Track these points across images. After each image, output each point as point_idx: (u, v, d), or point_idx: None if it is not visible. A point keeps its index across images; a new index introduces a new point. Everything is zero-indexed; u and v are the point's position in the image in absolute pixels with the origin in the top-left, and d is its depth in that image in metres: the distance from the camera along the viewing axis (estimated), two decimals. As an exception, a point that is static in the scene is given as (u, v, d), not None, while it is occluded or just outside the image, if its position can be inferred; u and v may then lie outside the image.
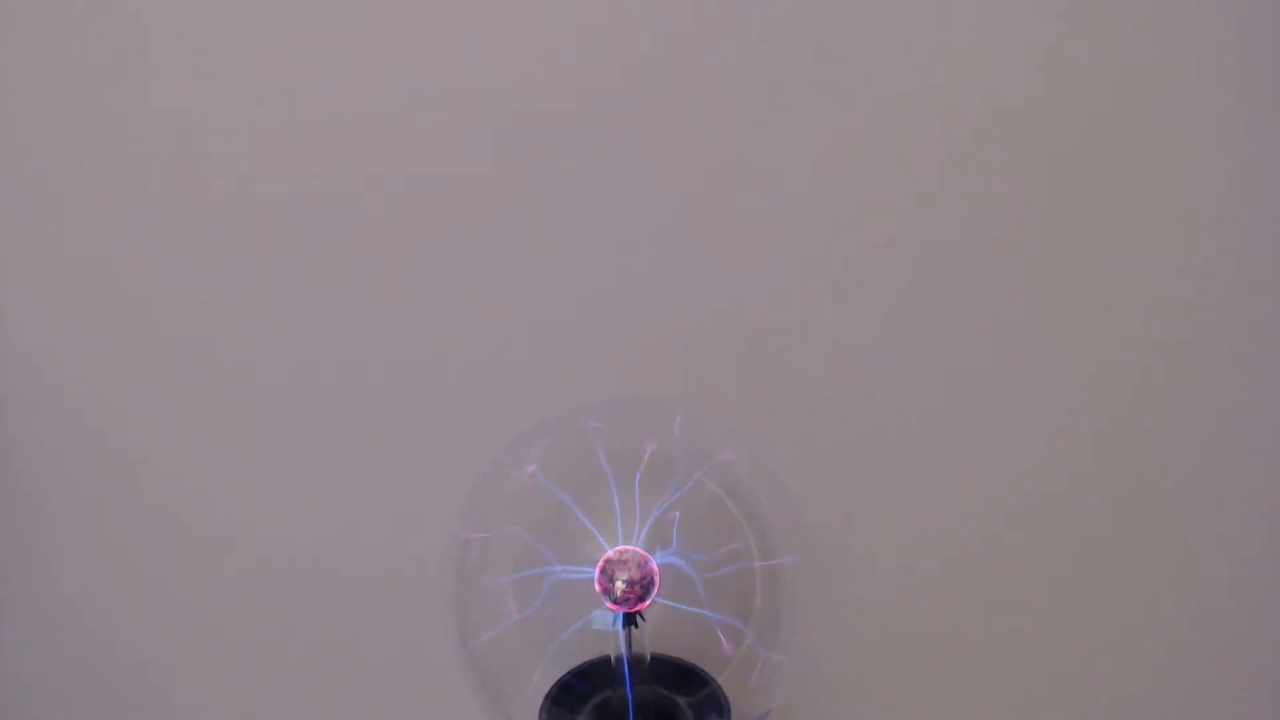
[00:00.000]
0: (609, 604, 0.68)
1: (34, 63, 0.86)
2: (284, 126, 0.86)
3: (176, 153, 0.87)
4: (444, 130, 0.85)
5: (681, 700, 0.73)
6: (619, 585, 0.68)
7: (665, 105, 0.84)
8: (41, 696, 0.96)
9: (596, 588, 0.68)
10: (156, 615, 0.94)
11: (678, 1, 0.83)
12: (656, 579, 0.68)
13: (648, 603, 0.68)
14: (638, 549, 0.69)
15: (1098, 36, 0.81)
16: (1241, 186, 0.83)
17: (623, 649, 0.71)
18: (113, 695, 0.95)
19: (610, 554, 0.68)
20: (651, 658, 0.73)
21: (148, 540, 0.93)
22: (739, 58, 0.83)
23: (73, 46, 0.85)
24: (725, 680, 0.73)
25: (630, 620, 0.69)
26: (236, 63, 0.85)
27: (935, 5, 0.81)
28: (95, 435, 0.92)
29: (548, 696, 0.72)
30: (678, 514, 0.70)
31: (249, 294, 0.88)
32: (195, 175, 0.87)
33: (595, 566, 0.68)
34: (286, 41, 0.85)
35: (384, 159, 0.86)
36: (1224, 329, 0.85)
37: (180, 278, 0.89)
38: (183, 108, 0.86)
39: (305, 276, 0.88)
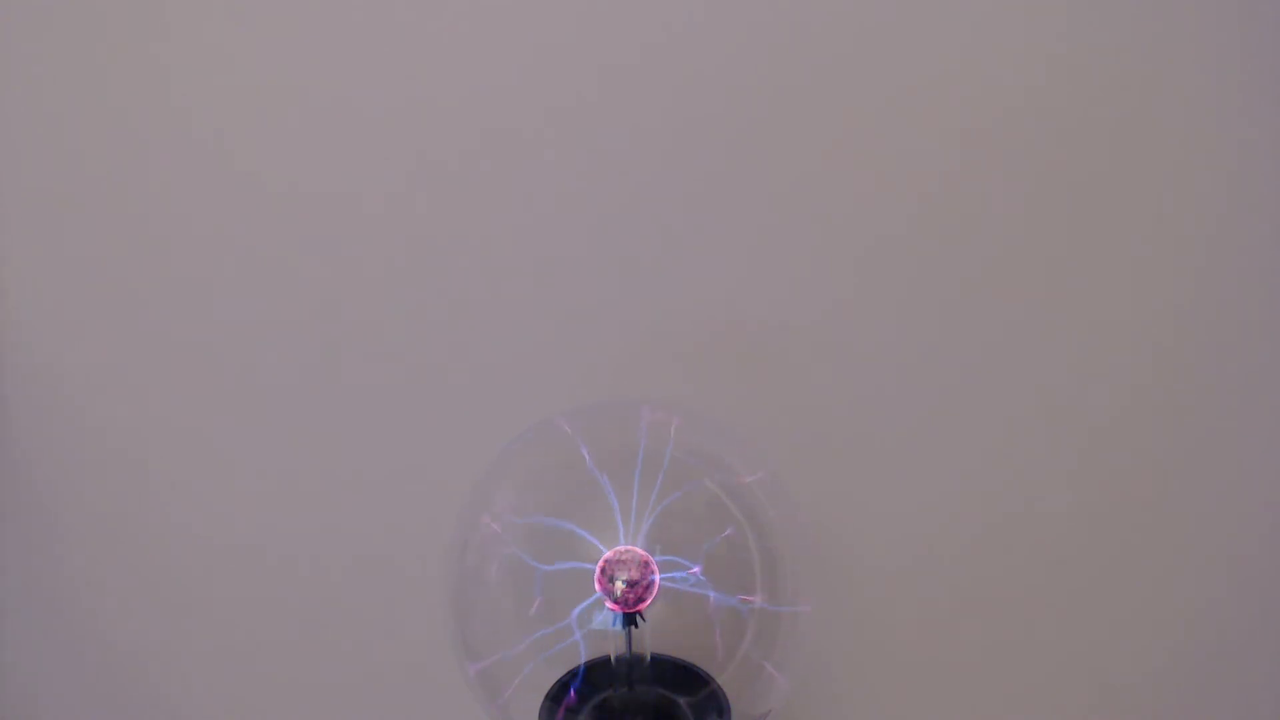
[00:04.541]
0: (609, 604, 0.68)
1: (37, 61, 0.86)
2: (285, 128, 0.86)
3: (178, 156, 0.87)
4: (444, 131, 0.85)
5: (681, 700, 0.73)
6: (619, 585, 0.68)
7: (664, 105, 0.84)
8: (43, 695, 0.96)
9: (596, 588, 0.68)
10: (159, 616, 0.94)
11: (672, 1, 0.83)
12: (656, 579, 0.68)
13: (648, 603, 0.68)
14: (638, 549, 0.69)
15: (1098, 37, 0.81)
16: (1244, 186, 0.83)
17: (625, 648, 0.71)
18: (115, 693, 0.95)
19: (610, 554, 0.68)
20: (651, 658, 0.73)
21: (150, 541, 0.93)
22: (737, 56, 0.83)
23: (75, 45, 0.85)
24: (725, 680, 0.73)
25: (630, 620, 0.69)
26: (239, 63, 0.85)
27: (934, 3, 0.81)
28: (96, 435, 0.92)
29: (548, 696, 0.72)
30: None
31: (249, 295, 0.88)
32: (195, 177, 0.87)
33: (595, 566, 0.68)
34: (286, 42, 0.84)
35: (382, 161, 0.86)
36: (1224, 329, 0.85)
37: (180, 278, 0.88)
38: (183, 109, 0.86)
39: (305, 279, 0.88)
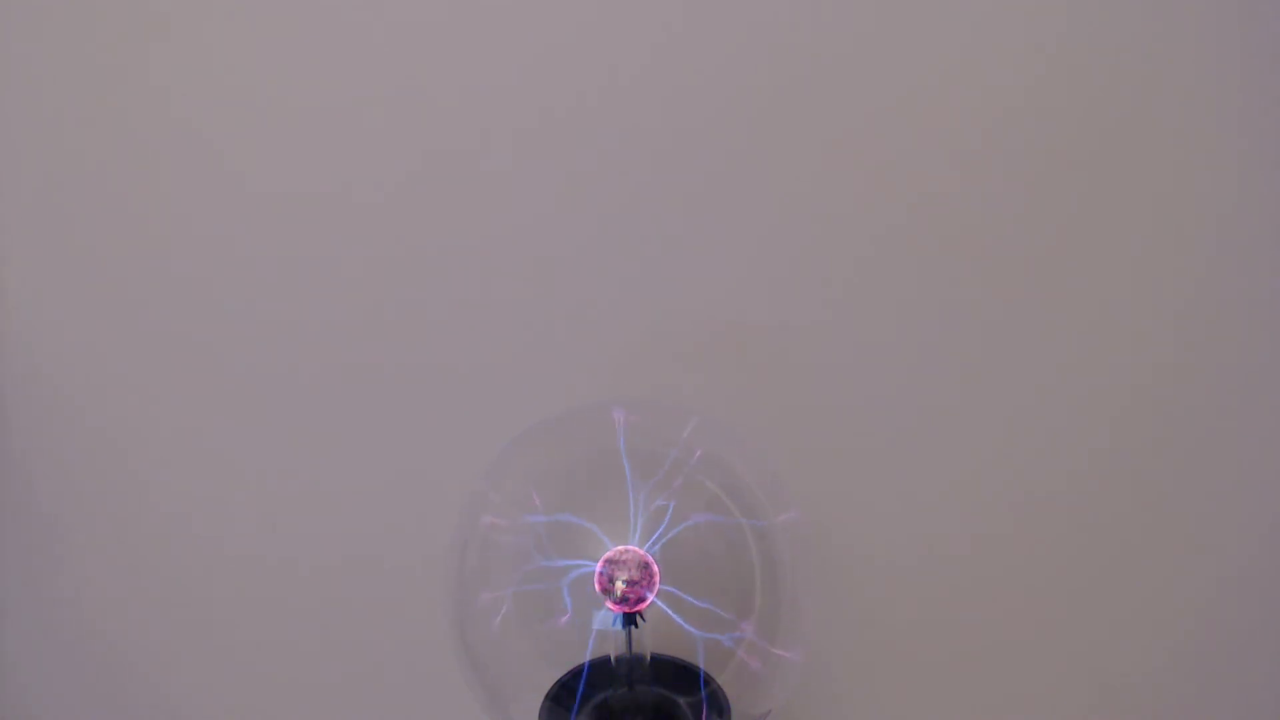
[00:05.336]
0: (609, 604, 0.68)
1: (37, 61, 0.86)
2: (285, 128, 0.86)
3: (178, 156, 0.87)
4: (444, 131, 0.85)
5: (681, 700, 0.73)
6: (619, 585, 0.68)
7: (664, 105, 0.84)
8: (43, 695, 0.96)
9: (597, 587, 0.68)
10: (159, 616, 0.94)
11: (675, 2, 0.83)
12: (657, 579, 0.68)
13: (648, 603, 0.68)
14: (638, 549, 0.69)
15: (1098, 36, 0.81)
16: (1244, 186, 0.83)
17: (624, 648, 0.71)
18: (115, 693, 0.95)
19: (610, 554, 0.68)
20: (652, 658, 0.73)
21: (149, 541, 0.93)
22: (738, 57, 0.83)
23: (75, 46, 0.85)
24: (725, 680, 0.73)
25: (630, 620, 0.69)
26: (239, 63, 0.85)
27: (934, 3, 0.81)
28: (96, 435, 0.92)
29: (548, 696, 0.72)
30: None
31: (249, 295, 0.88)
32: (195, 177, 0.87)
33: (596, 566, 0.68)
34: (284, 40, 0.85)
35: (383, 161, 0.86)
36: (1224, 329, 0.85)
37: (180, 279, 0.88)
38: (182, 109, 0.86)
39: (304, 279, 0.88)
